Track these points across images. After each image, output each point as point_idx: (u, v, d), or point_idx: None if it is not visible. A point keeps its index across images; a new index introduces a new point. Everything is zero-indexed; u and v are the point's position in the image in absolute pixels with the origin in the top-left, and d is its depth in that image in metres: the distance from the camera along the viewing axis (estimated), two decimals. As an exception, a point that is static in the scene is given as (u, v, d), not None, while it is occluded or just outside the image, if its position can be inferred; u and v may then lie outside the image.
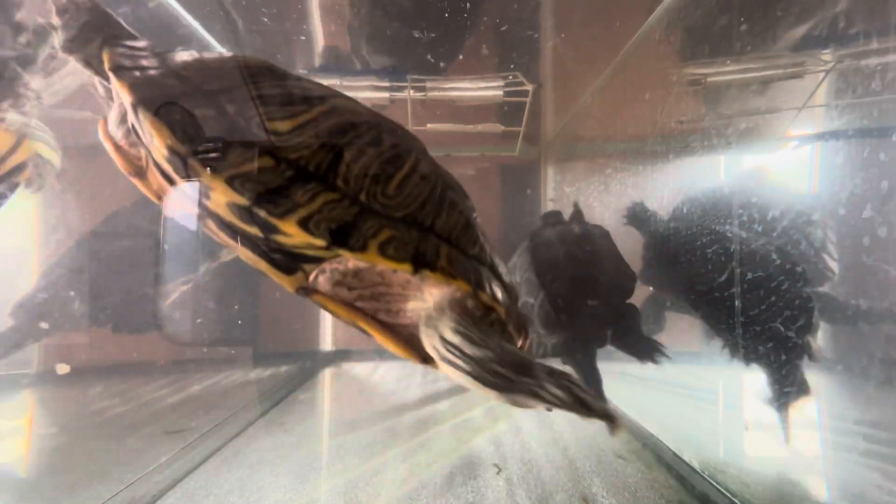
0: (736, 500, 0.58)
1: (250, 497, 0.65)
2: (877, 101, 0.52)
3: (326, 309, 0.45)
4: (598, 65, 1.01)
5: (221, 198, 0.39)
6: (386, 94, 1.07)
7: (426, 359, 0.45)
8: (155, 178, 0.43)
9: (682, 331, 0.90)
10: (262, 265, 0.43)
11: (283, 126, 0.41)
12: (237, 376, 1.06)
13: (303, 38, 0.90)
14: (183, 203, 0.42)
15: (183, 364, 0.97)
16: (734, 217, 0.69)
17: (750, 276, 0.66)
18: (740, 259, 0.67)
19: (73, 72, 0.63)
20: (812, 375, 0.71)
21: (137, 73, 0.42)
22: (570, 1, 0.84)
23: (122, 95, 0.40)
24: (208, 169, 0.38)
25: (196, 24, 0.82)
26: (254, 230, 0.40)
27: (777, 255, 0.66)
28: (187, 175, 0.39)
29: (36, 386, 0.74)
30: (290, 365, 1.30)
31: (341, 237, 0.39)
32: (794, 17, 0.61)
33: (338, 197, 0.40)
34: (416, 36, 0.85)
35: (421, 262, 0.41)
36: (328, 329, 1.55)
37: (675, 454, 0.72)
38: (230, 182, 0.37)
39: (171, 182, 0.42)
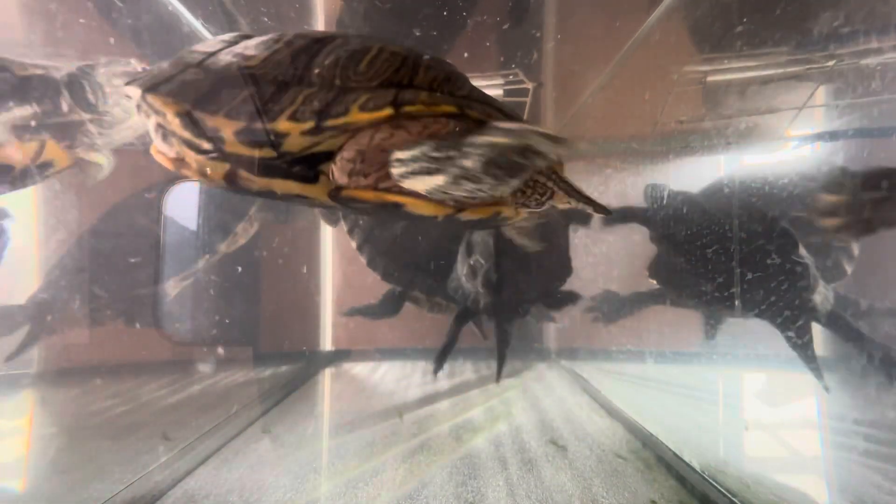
0: (736, 500, 0.58)
1: (250, 497, 0.65)
2: (876, 101, 0.53)
3: (357, 201, 0.48)
4: (598, 64, 1.01)
5: (228, 132, 0.44)
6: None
7: (459, 208, 0.48)
8: (192, 157, 0.49)
9: (682, 331, 0.90)
10: (291, 185, 0.48)
11: (256, 59, 0.47)
12: (237, 376, 1.06)
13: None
14: (211, 165, 0.49)
15: (183, 364, 0.97)
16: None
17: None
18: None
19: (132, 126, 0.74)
20: (812, 376, 0.71)
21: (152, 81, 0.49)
22: (571, 1, 0.85)
23: (152, 109, 0.48)
24: (209, 114, 0.44)
25: (197, 25, 0.82)
26: (266, 151, 0.45)
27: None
28: (200, 131, 0.45)
29: (36, 386, 0.75)
30: (290, 365, 1.30)
31: (325, 115, 0.43)
32: (794, 17, 0.61)
33: (315, 89, 0.45)
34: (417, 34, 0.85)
35: (401, 104, 0.44)
36: (328, 329, 1.55)
37: (674, 454, 0.72)
38: (229, 115, 0.43)
39: (200, 151, 0.48)
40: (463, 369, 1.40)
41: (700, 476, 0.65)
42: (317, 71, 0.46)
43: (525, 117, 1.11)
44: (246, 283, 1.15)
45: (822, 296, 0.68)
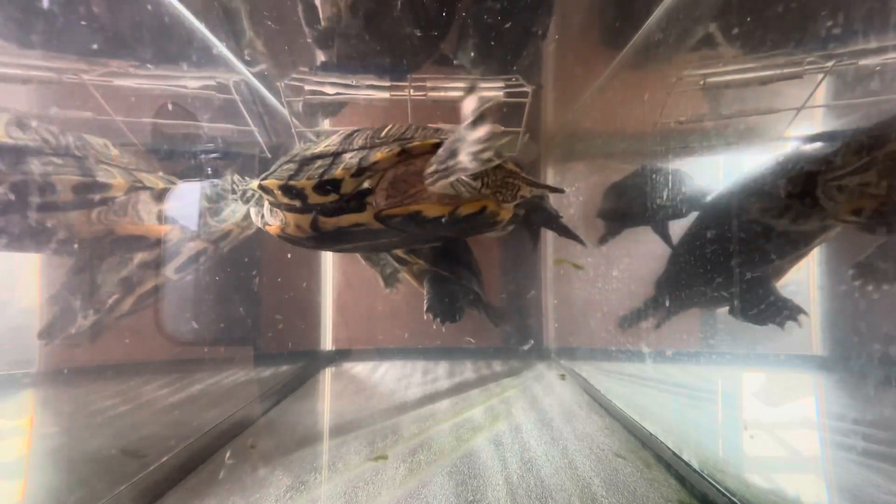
0: (735, 500, 0.58)
1: (251, 496, 0.65)
2: (876, 101, 0.53)
3: (393, 216, 0.66)
4: (597, 65, 1.02)
5: (309, 188, 0.64)
6: (386, 94, 1.07)
7: (457, 206, 0.66)
8: (290, 217, 0.70)
9: (681, 330, 0.90)
10: (351, 217, 0.66)
11: (331, 144, 0.70)
12: (238, 375, 1.07)
13: (308, 41, 0.90)
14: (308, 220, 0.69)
15: (184, 364, 0.98)
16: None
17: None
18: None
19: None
20: (811, 376, 0.71)
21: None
22: (571, 1, 0.85)
23: (265, 190, 0.68)
24: (297, 181, 0.65)
25: (198, 24, 0.82)
26: (331, 196, 0.65)
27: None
28: (293, 194, 0.65)
29: (37, 385, 0.75)
30: (290, 365, 1.31)
31: (362, 161, 0.63)
32: (793, 17, 0.62)
33: (356, 150, 0.65)
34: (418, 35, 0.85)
35: (404, 143, 0.64)
36: (328, 329, 1.56)
37: (674, 453, 0.72)
38: (309, 178, 0.64)
39: (294, 210, 0.68)
40: (463, 369, 1.41)
41: (699, 475, 0.65)
42: (358, 142, 0.67)
43: (524, 118, 1.12)
44: (246, 283, 1.15)
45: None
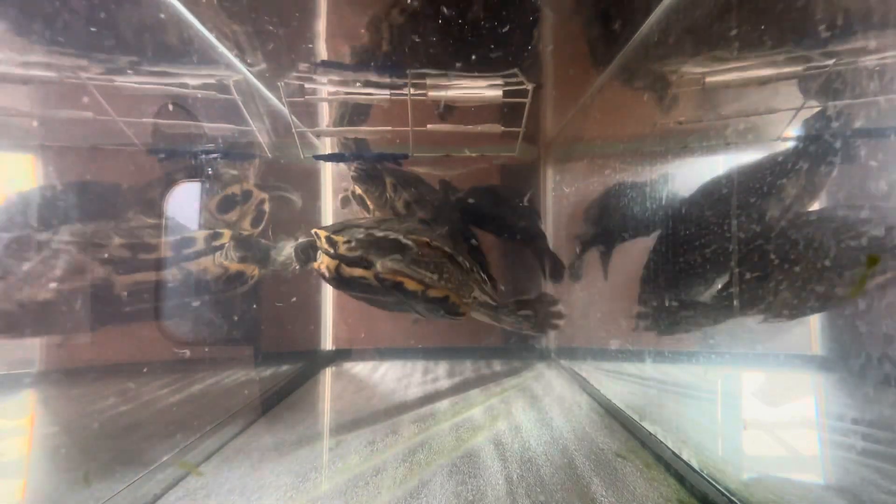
0: (735, 499, 0.58)
1: (251, 496, 0.65)
2: (875, 101, 0.53)
3: (385, 280, 0.82)
4: (597, 65, 1.02)
5: (340, 241, 0.84)
6: (386, 93, 1.07)
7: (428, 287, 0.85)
8: (326, 260, 0.86)
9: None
10: (360, 271, 0.83)
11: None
12: (238, 375, 1.07)
13: (309, 45, 0.91)
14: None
15: (184, 363, 0.98)
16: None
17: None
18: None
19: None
20: (811, 375, 0.71)
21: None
22: (571, 1, 0.85)
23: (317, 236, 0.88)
24: (333, 234, 0.86)
25: (198, 24, 0.82)
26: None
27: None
28: (330, 244, 0.85)
29: (38, 385, 0.75)
30: (290, 364, 1.31)
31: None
32: (793, 17, 0.62)
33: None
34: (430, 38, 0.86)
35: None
36: (328, 329, 1.56)
37: (674, 453, 0.72)
38: (339, 234, 0.86)
39: (329, 255, 0.86)
40: (463, 369, 1.41)
41: (699, 475, 0.65)
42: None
43: (524, 118, 1.12)
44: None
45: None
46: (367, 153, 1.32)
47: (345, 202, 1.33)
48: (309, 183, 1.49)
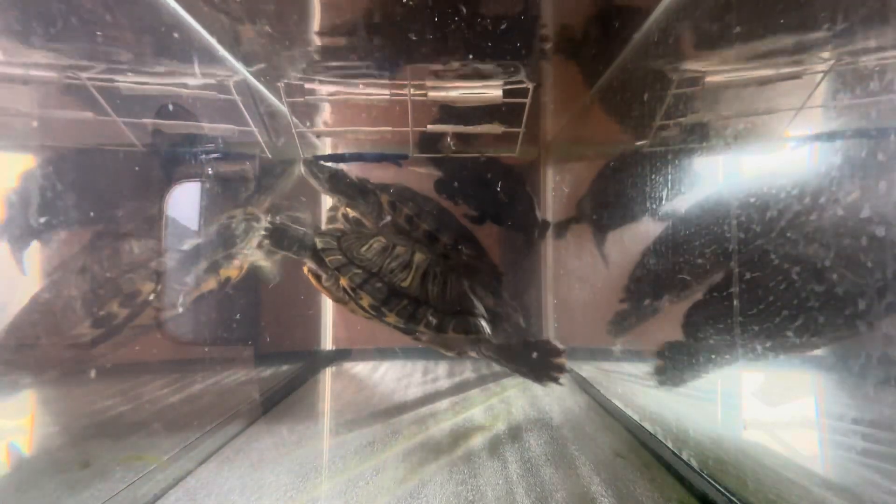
0: (734, 499, 0.58)
1: (251, 496, 0.65)
2: (875, 101, 0.53)
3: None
4: (597, 65, 1.02)
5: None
6: (386, 93, 1.07)
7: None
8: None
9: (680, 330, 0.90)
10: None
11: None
12: (238, 375, 1.07)
13: (307, 47, 0.91)
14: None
15: (184, 363, 0.98)
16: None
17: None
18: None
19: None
20: (811, 375, 0.71)
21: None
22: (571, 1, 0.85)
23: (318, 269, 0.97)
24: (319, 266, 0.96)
25: (196, 24, 0.82)
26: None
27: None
28: (319, 262, 0.95)
29: (38, 385, 0.75)
30: (290, 364, 1.31)
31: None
32: (793, 17, 0.62)
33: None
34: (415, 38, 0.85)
35: None
36: (328, 329, 1.56)
37: (673, 453, 0.72)
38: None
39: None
40: (463, 369, 1.41)
41: (699, 475, 0.65)
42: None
43: (524, 118, 1.11)
44: (247, 283, 1.15)
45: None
46: (367, 154, 1.33)
47: (331, 221, 1.29)
48: (310, 187, 1.49)
